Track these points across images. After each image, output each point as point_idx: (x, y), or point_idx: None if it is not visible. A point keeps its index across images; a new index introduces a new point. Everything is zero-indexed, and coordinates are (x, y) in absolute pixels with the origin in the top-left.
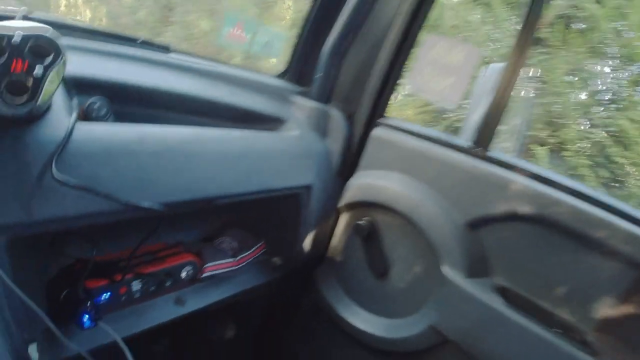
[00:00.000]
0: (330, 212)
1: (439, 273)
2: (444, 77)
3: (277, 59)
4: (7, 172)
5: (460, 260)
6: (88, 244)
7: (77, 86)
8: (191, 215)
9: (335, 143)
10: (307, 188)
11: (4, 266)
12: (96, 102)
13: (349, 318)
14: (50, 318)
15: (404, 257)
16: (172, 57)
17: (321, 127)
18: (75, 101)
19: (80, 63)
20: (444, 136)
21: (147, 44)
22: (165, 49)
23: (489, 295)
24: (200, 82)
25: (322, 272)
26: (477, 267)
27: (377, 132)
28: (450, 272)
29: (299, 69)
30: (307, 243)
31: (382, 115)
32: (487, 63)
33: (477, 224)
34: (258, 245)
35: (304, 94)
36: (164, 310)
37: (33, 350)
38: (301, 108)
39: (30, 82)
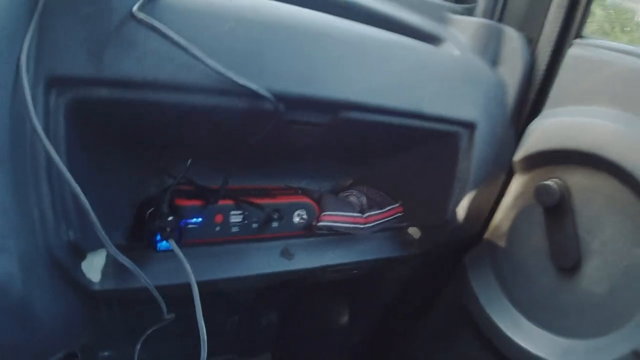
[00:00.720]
0: (500, 168)
1: None
2: None
3: None
4: (80, 15)
5: None
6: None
7: None
8: (318, 161)
9: (511, 72)
10: (470, 127)
11: (58, 136)
12: None
13: (507, 329)
14: (131, 241)
15: (611, 239)
16: None
17: (490, 51)
18: None
19: None
20: None
21: None
22: None
23: None
24: None
25: (476, 257)
26: None
27: (575, 51)
28: None
29: None
30: (461, 212)
31: (578, 35)
32: None
33: None
34: (393, 207)
35: (466, 12)
36: (265, 260)
37: (91, 267)
38: (462, 26)
39: None
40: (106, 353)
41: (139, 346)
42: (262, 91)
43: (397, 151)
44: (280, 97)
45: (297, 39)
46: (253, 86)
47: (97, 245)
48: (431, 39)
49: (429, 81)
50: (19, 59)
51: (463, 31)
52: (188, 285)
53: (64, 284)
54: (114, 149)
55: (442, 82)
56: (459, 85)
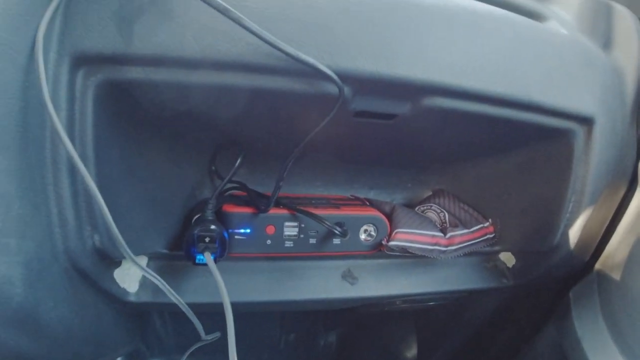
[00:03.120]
0: (621, 177)
1: None
2: None
3: None
4: None
5: None
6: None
7: None
8: (389, 167)
9: (626, 57)
10: (587, 123)
11: (85, 125)
12: None
13: None
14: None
15: None
16: None
17: (599, 32)
18: None
19: None
20: None
21: None
22: None
23: None
24: None
25: (583, 292)
26: None
27: None
28: None
29: None
30: (574, 235)
31: None
32: None
33: None
34: (482, 226)
35: None
36: (323, 283)
37: (127, 276)
38: (564, 2)
39: None
40: None
41: None
42: (323, 67)
43: (490, 155)
44: (346, 77)
45: (368, 4)
46: (311, 60)
47: (134, 250)
48: (532, 15)
49: (537, 63)
50: (36, 33)
51: (565, 8)
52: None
53: (91, 294)
54: (159, 143)
55: (552, 65)
56: (572, 70)
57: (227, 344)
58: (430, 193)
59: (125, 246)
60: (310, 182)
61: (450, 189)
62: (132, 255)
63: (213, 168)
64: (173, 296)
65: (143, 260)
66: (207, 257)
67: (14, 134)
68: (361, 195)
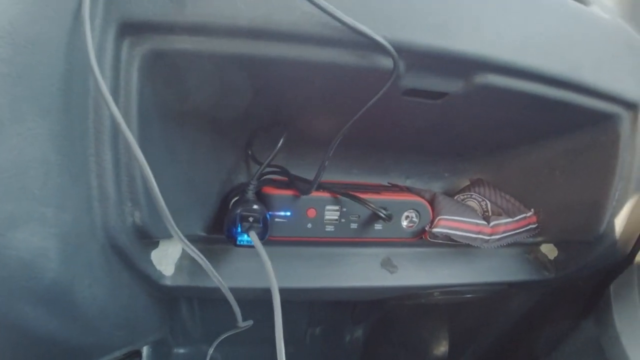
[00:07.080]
0: None
1: None
2: None
3: None
4: None
5: None
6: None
7: None
8: (426, 155)
9: None
10: (633, 108)
11: (130, 97)
12: None
13: None
14: (211, 233)
15: None
16: None
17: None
18: None
19: None
20: None
21: None
22: None
23: None
24: None
25: (625, 285)
26: None
27: None
28: None
29: None
30: (619, 225)
31: None
32: None
33: None
34: (525, 216)
35: None
36: (362, 271)
37: (164, 258)
38: None
39: None
40: (181, 350)
41: (212, 350)
42: (379, 38)
43: (534, 142)
44: (401, 50)
45: None
46: (367, 31)
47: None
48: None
49: (586, 45)
50: None
51: None
52: (268, 291)
53: (127, 276)
54: (199, 124)
55: (599, 48)
56: (617, 55)
57: (258, 333)
58: (468, 183)
59: (172, 220)
60: (346, 170)
61: (490, 179)
62: (177, 229)
63: (249, 152)
64: (214, 277)
65: (180, 243)
66: (253, 236)
67: (56, 97)
68: (399, 181)
